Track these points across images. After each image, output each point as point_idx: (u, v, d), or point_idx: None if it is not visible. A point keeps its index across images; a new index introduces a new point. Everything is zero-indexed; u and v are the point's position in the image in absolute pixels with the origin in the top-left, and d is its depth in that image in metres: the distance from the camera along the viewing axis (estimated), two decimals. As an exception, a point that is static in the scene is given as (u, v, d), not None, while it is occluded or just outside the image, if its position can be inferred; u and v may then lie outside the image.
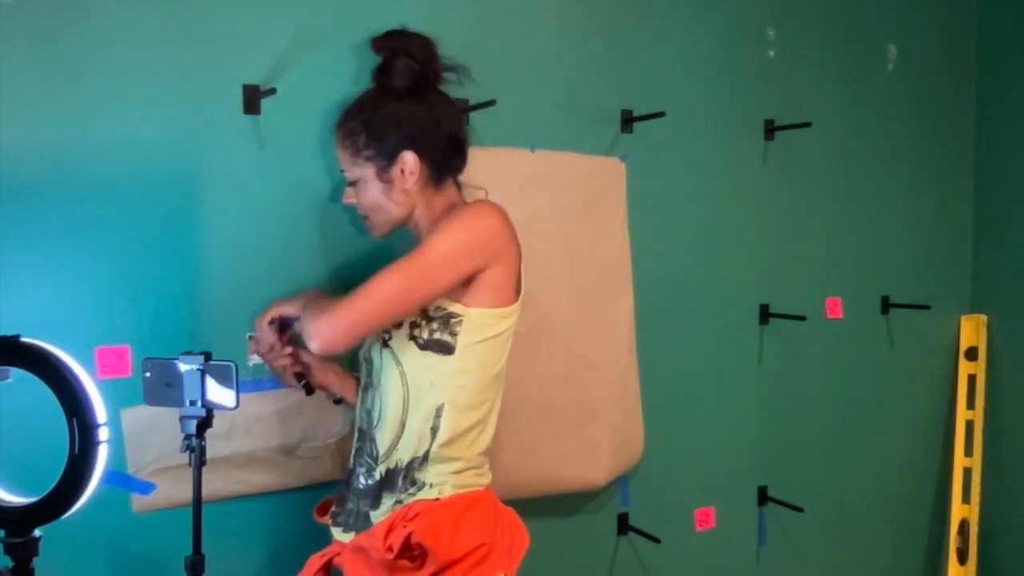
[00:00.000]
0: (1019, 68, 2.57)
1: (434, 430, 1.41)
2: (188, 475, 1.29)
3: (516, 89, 1.84)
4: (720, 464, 2.24)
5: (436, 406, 1.41)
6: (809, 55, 2.30)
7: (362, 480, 1.47)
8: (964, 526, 2.65)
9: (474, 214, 1.40)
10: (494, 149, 1.80)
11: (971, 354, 2.66)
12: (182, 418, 1.28)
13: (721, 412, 2.23)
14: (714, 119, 2.15)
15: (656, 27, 2.04)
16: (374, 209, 1.48)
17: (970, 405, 2.65)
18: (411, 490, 1.42)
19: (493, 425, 1.48)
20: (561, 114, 1.92)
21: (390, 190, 1.45)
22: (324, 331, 1.33)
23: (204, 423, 1.29)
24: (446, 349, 1.40)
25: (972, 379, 2.65)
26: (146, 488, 1.53)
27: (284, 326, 1.49)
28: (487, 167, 1.67)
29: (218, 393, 1.27)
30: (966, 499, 2.65)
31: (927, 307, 2.52)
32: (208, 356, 1.28)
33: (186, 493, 1.30)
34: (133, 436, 1.50)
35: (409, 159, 1.43)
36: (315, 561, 1.49)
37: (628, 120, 2.00)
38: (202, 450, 1.29)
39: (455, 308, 1.39)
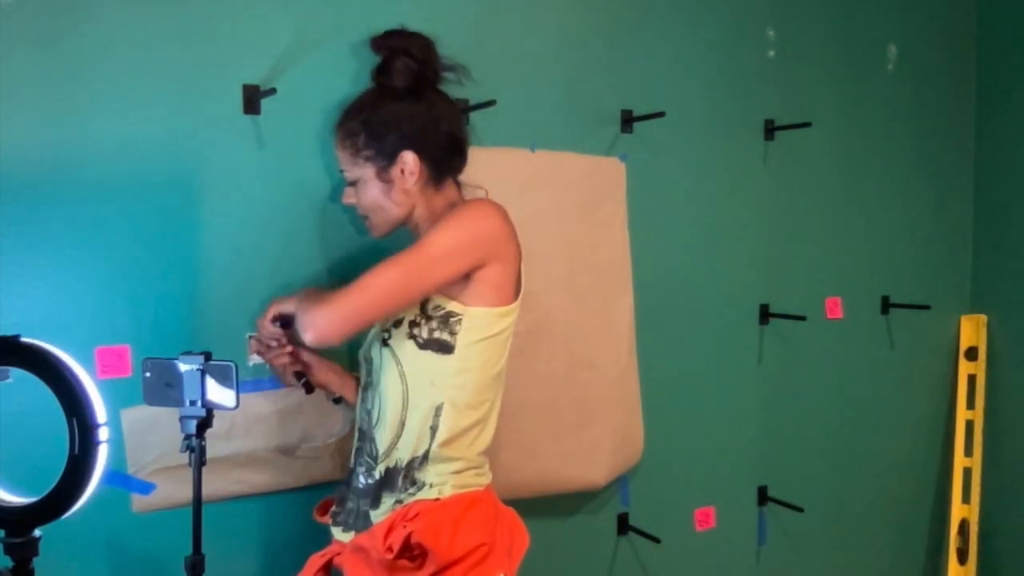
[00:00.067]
0: (1019, 68, 2.57)
1: (433, 429, 1.41)
2: (188, 475, 1.29)
3: (516, 89, 1.84)
4: (720, 464, 2.24)
5: (435, 405, 1.40)
6: (809, 55, 2.30)
7: (362, 479, 1.47)
8: (964, 526, 2.65)
9: (474, 211, 1.40)
10: (494, 149, 1.80)
11: (971, 354, 2.66)
12: (182, 418, 1.28)
13: (721, 412, 2.23)
14: (714, 119, 2.14)
15: (656, 27, 2.04)
16: (374, 209, 1.48)
17: (970, 405, 2.65)
18: (411, 490, 1.42)
19: (493, 425, 1.48)
20: (561, 114, 1.92)
21: (390, 190, 1.45)
22: (318, 322, 1.33)
23: (204, 423, 1.29)
24: (445, 348, 1.39)
25: (972, 379, 2.65)
26: (146, 488, 1.53)
27: (285, 324, 1.49)
28: (487, 167, 1.66)
29: (218, 393, 1.27)
30: (966, 499, 2.64)
31: (927, 307, 2.52)
32: (208, 356, 1.28)
33: (186, 493, 1.30)
34: (133, 436, 1.50)
35: (409, 159, 1.43)
36: (315, 561, 1.49)
37: (628, 120, 2.00)
38: (202, 450, 1.29)
39: (455, 307, 1.39)
